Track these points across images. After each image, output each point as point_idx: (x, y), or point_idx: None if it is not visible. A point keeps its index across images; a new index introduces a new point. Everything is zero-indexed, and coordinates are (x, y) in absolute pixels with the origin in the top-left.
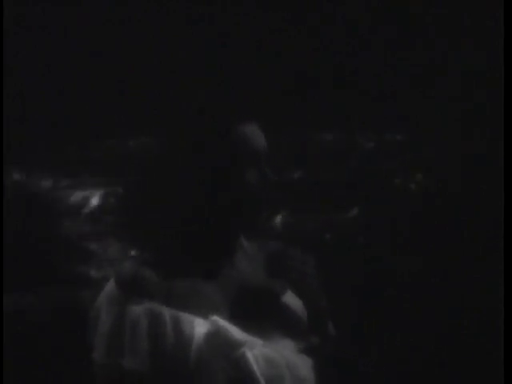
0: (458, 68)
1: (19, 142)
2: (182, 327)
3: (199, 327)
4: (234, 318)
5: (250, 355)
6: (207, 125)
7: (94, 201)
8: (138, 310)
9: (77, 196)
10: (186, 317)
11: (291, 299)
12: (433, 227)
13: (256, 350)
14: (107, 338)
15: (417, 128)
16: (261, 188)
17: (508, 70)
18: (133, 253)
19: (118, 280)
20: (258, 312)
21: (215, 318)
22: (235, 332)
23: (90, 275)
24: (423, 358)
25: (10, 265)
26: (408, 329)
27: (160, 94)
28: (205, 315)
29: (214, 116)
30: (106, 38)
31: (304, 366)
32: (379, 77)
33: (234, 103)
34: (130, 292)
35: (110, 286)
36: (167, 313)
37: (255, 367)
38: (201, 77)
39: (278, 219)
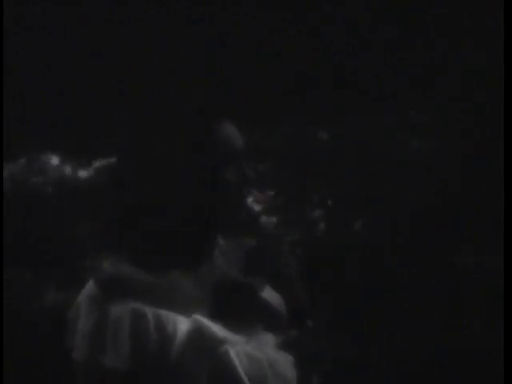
0: (458, 68)
1: (19, 142)
2: (164, 325)
3: (181, 325)
4: (214, 315)
5: (232, 352)
6: (191, 124)
7: (93, 199)
8: (120, 309)
9: (77, 193)
10: (167, 315)
11: (270, 294)
12: (433, 227)
13: (238, 347)
14: (88, 337)
15: (416, 128)
16: (239, 186)
17: (508, 69)
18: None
19: (97, 280)
20: (238, 308)
21: (197, 316)
22: (217, 330)
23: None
24: (422, 358)
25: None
26: (407, 329)
27: (160, 94)
28: (186, 313)
29: (194, 115)
30: (105, 37)
31: (285, 362)
32: (379, 77)
33: (213, 102)
34: (111, 291)
35: (90, 286)
36: (149, 311)
37: (237, 364)
38: (201, 77)
39: (261, 216)
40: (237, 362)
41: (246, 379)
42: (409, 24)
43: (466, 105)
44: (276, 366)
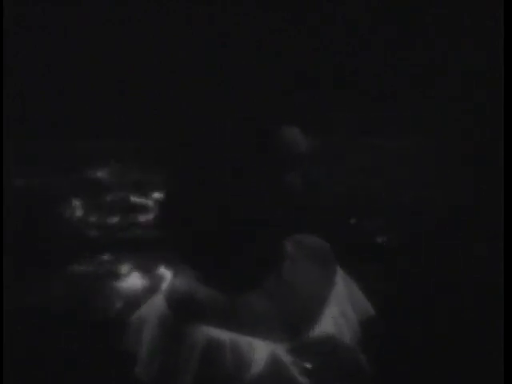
0: (458, 68)
1: (19, 141)
2: (241, 352)
3: (258, 353)
4: (288, 338)
5: None
6: (248, 126)
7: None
8: (196, 335)
9: (77, 193)
10: (243, 341)
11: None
12: (433, 227)
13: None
14: (158, 357)
15: (416, 128)
16: (303, 191)
17: (508, 69)
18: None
19: (169, 299)
20: (309, 326)
21: (274, 345)
22: (295, 363)
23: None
24: (424, 358)
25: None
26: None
27: (160, 94)
28: (261, 336)
29: (254, 117)
30: (106, 37)
31: None
32: (379, 77)
33: (276, 105)
34: (183, 314)
35: (159, 302)
36: (225, 337)
37: None
38: (201, 77)
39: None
40: None
41: None
42: (409, 24)
43: (465, 105)
44: None
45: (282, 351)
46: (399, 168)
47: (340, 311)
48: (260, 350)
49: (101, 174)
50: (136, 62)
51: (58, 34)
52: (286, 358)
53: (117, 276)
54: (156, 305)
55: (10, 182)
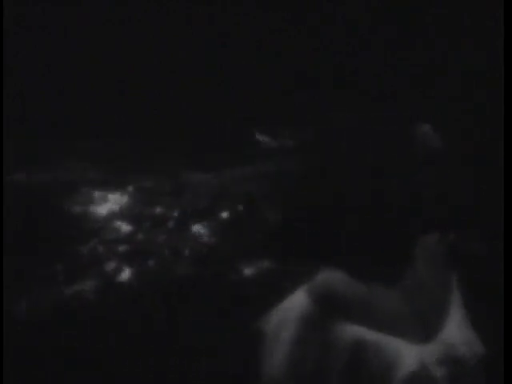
0: (458, 68)
1: (19, 141)
2: (385, 355)
3: (404, 358)
4: (422, 339)
5: None
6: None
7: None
8: (342, 332)
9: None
10: (388, 342)
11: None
12: (433, 227)
13: None
14: (299, 354)
15: (417, 128)
16: (438, 184)
17: (508, 69)
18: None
19: (311, 293)
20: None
21: (420, 350)
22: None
23: None
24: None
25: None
26: None
27: (160, 94)
28: (397, 335)
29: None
30: (106, 37)
31: None
32: (379, 77)
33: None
34: (329, 308)
35: (302, 299)
36: (371, 337)
37: None
38: (201, 77)
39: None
40: None
41: None
42: (409, 24)
43: (465, 105)
44: None
45: (429, 358)
46: (399, 168)
47: (461, 317)
48: (407, 354)
49: (101, 173)
50: (136, 61)
51: (57, 33)
52: (434, 366)
53: (117, 276)
54: (297, 302)
55: (10, 181)
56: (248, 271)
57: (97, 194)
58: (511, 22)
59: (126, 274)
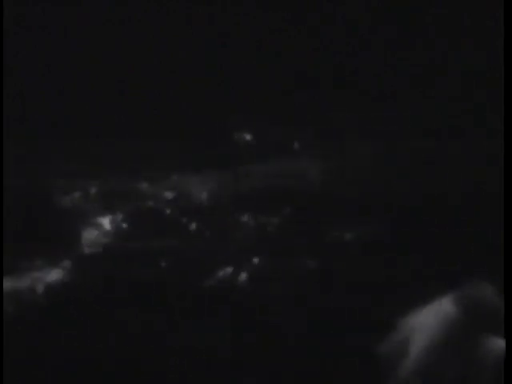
0: (458, 68)
1: (19, 141)
2: None
3: None
4: None
5: None
6: None
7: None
8: (489, 345)
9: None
10: None
11: None
12: (433, 227)
13: None
14: (440, 362)
15: (417, 128)
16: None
17: (508, 69)
18: None
19: (461, 304)
20: None
21: None
22: None
23: None
24: None
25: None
26: None
27: (160, 94)
28: None
29: None
30: (106, 37)
31: None
32: (379, 77)
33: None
34: (476, 319)
35: (446, 308)
36: None
37: None
38: (201, 77)
39: None
40: None
41: None
42: (409, 24)
43: (465, 105)
44: None
45: None
46: (399, 167)
47: None
48: None
49: (101, 173)
50: (136, 61)
51: (57, 33)
52: None
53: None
54: (444, 310)
55: (10, 182)
56: (245, 272)
57: (97, 193)
58: (511, 22)
59: (125, 274)
